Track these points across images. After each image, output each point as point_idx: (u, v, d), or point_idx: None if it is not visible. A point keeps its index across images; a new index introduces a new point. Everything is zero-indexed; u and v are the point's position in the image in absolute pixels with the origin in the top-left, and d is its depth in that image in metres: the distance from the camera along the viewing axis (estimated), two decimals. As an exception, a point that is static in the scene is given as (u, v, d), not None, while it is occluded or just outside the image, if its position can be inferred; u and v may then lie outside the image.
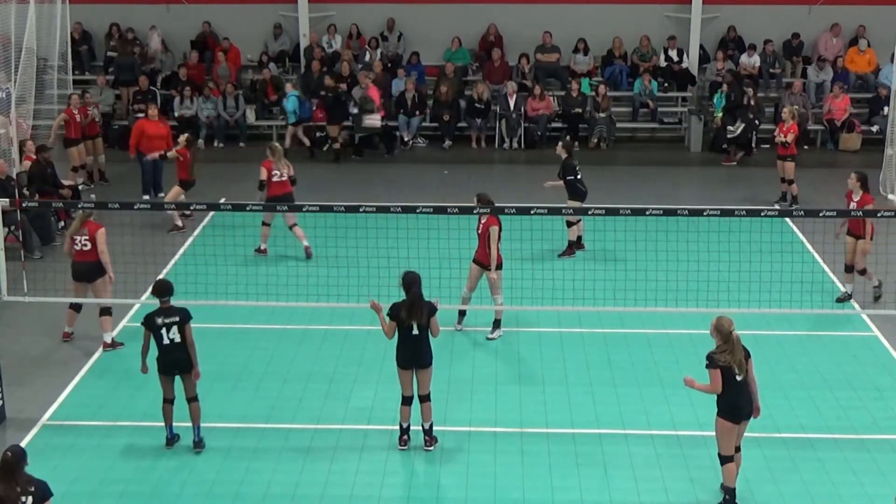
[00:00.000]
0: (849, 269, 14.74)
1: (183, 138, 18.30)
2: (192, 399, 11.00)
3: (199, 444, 11.02)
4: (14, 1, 18.74)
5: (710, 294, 14.11)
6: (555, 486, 10.49)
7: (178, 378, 11.01)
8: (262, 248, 16.48)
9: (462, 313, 13.89)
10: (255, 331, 14.06)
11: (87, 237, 13.14)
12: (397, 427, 11.17)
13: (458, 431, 11.43)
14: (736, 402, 9.69)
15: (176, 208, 17.90)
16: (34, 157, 17.80)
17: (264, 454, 11.04)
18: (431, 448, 11.03)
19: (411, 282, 10.85)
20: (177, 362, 10.90)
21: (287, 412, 11.92)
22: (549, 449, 11.13)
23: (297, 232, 16.25)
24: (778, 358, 13.29)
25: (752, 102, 23.20)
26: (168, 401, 11.05)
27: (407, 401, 10.99)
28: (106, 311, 13.40)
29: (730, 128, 23.18)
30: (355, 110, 23.23)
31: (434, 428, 11.09)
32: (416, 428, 11.12)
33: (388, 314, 10.90)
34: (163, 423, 11.18)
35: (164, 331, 10.77)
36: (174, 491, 10.40)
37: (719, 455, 9.88)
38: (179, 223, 18.04)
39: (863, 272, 14.62)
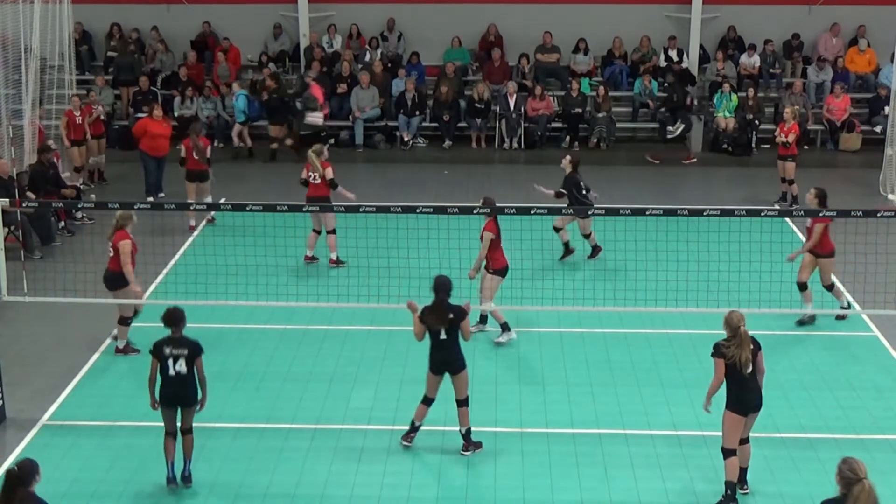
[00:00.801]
0: (802, 287, 14.00)
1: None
2: (186, 431, 10.33)
3: (187, 480, 10.36)
4: (18, 1, 18.74)
5: (710, 294, 14.10)
6: (555, 486, 10.49)
7: None
8: (309, 254, 16.23)
9: (483, 318, 13.74)
10: (255, 331, 14.06)
11: (112, 245, 12.90)
12: (397, 427, 11.18)
13: (458, 431, 11.42)
14: (741, 396, 9.71)
15: (176, 208, 17.91)
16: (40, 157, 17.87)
17: (264, 454, 11.04)
18: (468, 453, 10.91)
19: (437, 287, 10.75)
20: (180, 395, 10.24)
21: (287, 412, 11.92)
22: (549, 449, 11.13)
23: (331, 241, 15.90)
24: (778, 358, 13.28)
25: (692, 102, 23.51)
26: (170, 434, 10.33)
27: (428, 401, 10.90)
28: (123, 320, 13.24)
29: (669, 128, 23.27)
30: (300, 107, 23.26)
31: (433, 428, 11.07)
32: (448, 429, 11.04)
33: (419, 316, 10.79)
34: (162, 424, 11.14)
35: (170, 361, 10.14)
36: (174, 491, 10.39)
37: (723, 448, 9.88)
38: (193, 222, 18.04)
39: (830, 288, 14.13)
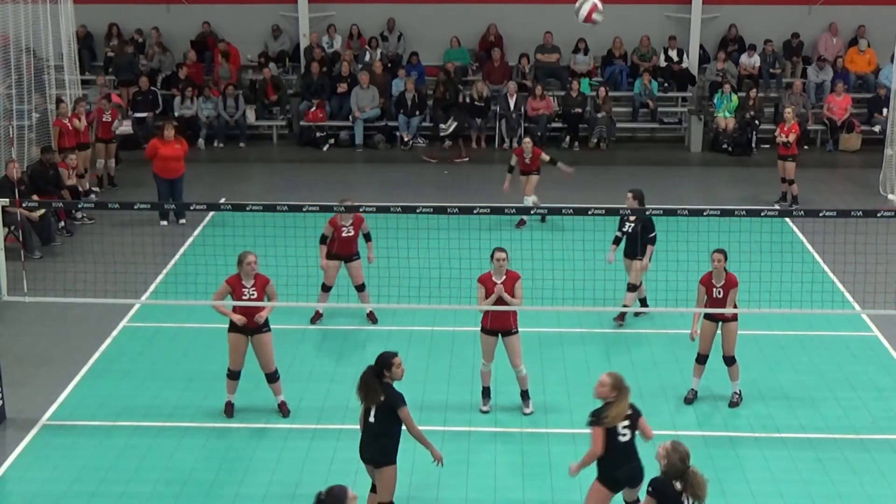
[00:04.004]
0: (702, 359, 12.13)
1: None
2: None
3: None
4: (19, 1, 18.75)
5: (710, 294, 14.12)
6: (555, 486, 10.49)
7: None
8: (319, 312, 14.52)
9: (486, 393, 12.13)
10: (255, 331, 14.04)
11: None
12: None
13: (458, 431, 11.43)
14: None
15: (177, 209, 17.96)
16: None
17: (264, 454, 11.04)
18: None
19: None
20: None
21: (287, 412, 11.94)
22: (549, 449, 11.13)
23: (364, 297, 14.24)
24: (778, 358, 13.30)
25: (464, 100, 23.63)
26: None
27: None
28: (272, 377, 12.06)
29: (442, 126, 23.29)
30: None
31: (432, 428, 11.07)
32: (448, 429, 11.05)
33: None
34: (162, 424, 11.16)
35: None
36: (174, 491, 10.40)
37: None
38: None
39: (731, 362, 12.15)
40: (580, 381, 12.67)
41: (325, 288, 14.18)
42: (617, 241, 14.27)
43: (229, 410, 11.79)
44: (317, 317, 14.37)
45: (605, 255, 14.07)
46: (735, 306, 12.06)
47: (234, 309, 11.44)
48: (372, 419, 9.12)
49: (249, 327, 11.47)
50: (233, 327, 11.57)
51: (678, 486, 7.89)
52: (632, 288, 14.10)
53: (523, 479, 10.57)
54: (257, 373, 12.82)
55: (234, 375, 11.72)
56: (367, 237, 14.15)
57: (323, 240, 14.00)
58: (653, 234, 13.99)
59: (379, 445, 9.16)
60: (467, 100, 24.06)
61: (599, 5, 13.62)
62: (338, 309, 14.07)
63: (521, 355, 11.72)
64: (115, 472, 10.69)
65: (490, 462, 10.87)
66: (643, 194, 13.84)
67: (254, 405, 12.07)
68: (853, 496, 10.33)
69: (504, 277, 11.55)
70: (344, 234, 13.93)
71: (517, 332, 11.67)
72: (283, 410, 11.85)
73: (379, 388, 9.10)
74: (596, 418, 8.79)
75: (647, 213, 12.58)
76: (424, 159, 23.13)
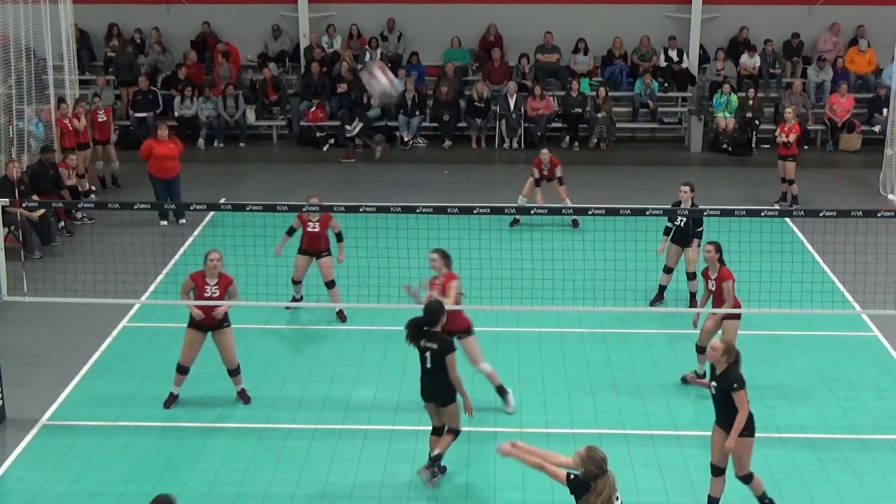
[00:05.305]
0: (700, 349, 12.33)
1: None
2: None
3: None
4: (19, 1, 18.74)
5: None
6: (555, 486, 10.44)
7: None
8: (298, 297, 14.72)
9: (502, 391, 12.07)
10: (255, 331, 14.06)
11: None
12: (397, 427, 11.16)
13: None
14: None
15: (177, 209, 17.95)
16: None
17: (264, 454, 11.04)
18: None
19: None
20: None
21: (287, 412, 11.92)
22: (549, 449, 11.09)
23: (334, 294, 14.36)
24: (778, 358, 13.30)
25: (369, 100, 23.43)
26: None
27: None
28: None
29: (347, 127, 23.32)
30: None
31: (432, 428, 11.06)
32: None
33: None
34: (162, 424, 11.17)
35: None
36: (174, 491, 10.32)
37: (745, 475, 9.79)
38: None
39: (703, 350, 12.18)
40: (580, 381, 12.68)
41: (294, 282, 14.50)
42: (667, 231, 14.54)
43: (170, 401, 11.93)
44: (294, 300, 14.59)
45: (656, 248, 14.58)
46: (738, 303, 12.10)
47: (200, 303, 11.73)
48: (429, 364, 10.10)
49: (207, 324, 11.73)
50: (191, 323, 11.80)
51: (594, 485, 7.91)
52: (691, 276, 14.40)
53: (523, 479, 10.57)
54: (257, 373, 12.84)
55: (182, 370, 11.90)
56: (339, 237, 14.39)
57: (290, 231, 14.40)
58: (700, 229, 14.31)
59: (441, 387, 10.17)
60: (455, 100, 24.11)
61: (383, 82, 13.50)
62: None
63: (476, 358, 11.81)
64: (115, 472, 10.69)
65: (490, 462, 10.87)
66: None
67: (254, 405, 12.07)
68: (853, 496, 10.33)
69: (441, 278, 11.77)
70: (310, 229, 14.21)
71: (471, 334, 11.76)
72: (244, 398, 12.06)
73: (420, 335, 10.09)
74: (740, 383, 9.31)
75: (647, 212, 12.55)
76: (343, 161, 23.14)
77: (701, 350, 12.20)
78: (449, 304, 11.14)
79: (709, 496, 9.90)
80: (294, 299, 14.56)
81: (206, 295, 11.69)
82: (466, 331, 11.73)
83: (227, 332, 11.86)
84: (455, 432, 10.40)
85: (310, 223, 14.22)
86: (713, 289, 12.15)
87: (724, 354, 9.42)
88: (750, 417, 9.45)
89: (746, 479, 9.73)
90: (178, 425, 11.55)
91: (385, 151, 23.87)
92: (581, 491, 7.91)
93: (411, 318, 10.26)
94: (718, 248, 12.18)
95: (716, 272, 12.12)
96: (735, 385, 9.31)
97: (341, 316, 14.49)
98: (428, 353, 10.09)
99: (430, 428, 10.59)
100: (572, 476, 8.01)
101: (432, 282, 11.88)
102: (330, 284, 14.34)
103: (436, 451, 10.37)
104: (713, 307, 12.25)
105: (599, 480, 7.85)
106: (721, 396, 9.46)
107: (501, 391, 12.00)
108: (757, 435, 10.62)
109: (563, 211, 13.63)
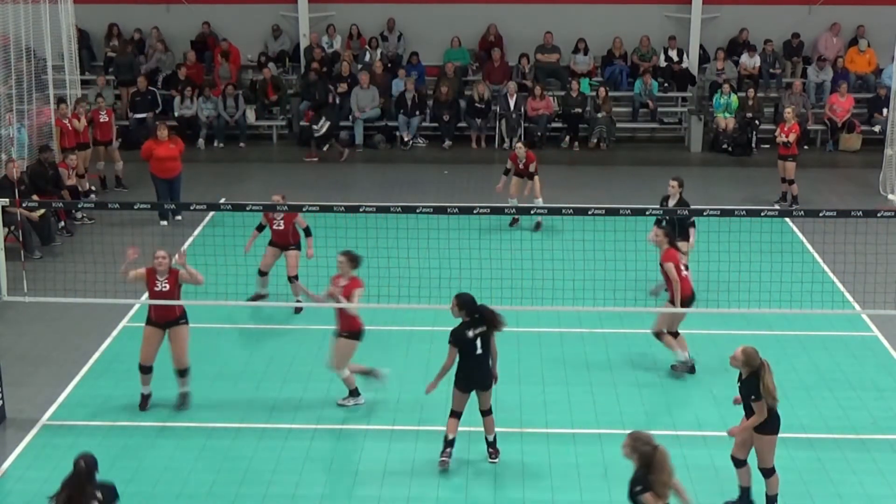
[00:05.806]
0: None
1: None
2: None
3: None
4: (19, 1, 18.72)
5: (710, 294, 14.12)
6: (555, 486, 10.49)
7: None
8: (263, 293, 14.88)
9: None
10: (255, 331, 14.06)
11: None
12: (397, 427, 11.16)
13: (458, 431, 11.40)
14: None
15: (177, 208, 17.94)
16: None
17: (264, 454, 11.04)
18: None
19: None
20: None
21: (287, 412, 11.92)
22: (549, 449, 11.13)
23: (296, 287, 14.47)
24: (778, 358, 13.23)
25: (334, 100, 23.63)
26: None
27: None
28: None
29: (314, 126, 23.32)
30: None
31: (433, 428, 11.06)
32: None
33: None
34: (162, 424, 11.16)
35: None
36: (174, 491, 10.40)
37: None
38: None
39: (659, 336, 12.86)
40: (580, 380, 12.68)
41: (261, 273, 14.72)
42: (658, 223, 14.46)
43: (143, 403, 11.91)
44: (257, 297, 14.67)
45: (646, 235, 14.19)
46: (688, 286, 12.56)
47: (151, 298, 11.80)
48: (479, 350, 10.41)
49: (162, 321, 11.76)
50: (148, 320, 11.84)
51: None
52: (685, 268, 14.27)
53: (523, 479, 10.57)
54: (257, 373, 12.84)
55: (144, 370, 11.87)
56: (307, 232, 14.64)
57: (259, 228, 14.70)
58: (693, 219, 14.45)
59: (487, 369, 10.57)
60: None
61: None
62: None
63: (340, 361, 11.85)
64: (115, 472, 10.65)
65: (490, 462, 10.87)
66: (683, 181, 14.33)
67: (254, 405, 12.06)
68: (853, 496, 10.33)
69: (345, 280, 11.90)
70: (275, 227, 14.61)
71: (358, 339, 11.90)
72: (184, 401, 11.95)
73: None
74: (757, 395, 9.63)
75: (647, 212, 12.55)
76: (306, 160, 23.13)
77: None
78: (351, 310, 11.64)
79: (739, 486, 10.08)
80: (257, 295, 14.69)
81: (157, 289, 11.73)
82: (356, 334, 11.85)
83: (184, 330, 11.83)
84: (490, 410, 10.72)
85: (275, 221, 14.59)
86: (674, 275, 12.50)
87: (745, 366, 9.72)
88: (775, 417, 9.79)
89: (767, 472, 9.93)
90: (178, 425, 11.54)
91: (385, 151, 23.91)
92: (646, 475, 8.15)
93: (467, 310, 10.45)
94: (668, 233, 12.71)
95: (661, 251, 12.62)
96: (753, 397, 9.67)
97: (298, 311, 14.59)
98: (478, 339, 10.39)
99: (430, 428, 10.60)
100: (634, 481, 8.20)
101: (336, 280, 11.97)
102: (293, 279, 14.58)
103: (492, 436, 10.80)
104: (667, 291, 12.67)
105: (657, 455, 8.14)
106: (745, 401, 9.80)
107: (368, 374, 12.13)
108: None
109: (563, 211, 13.62)
